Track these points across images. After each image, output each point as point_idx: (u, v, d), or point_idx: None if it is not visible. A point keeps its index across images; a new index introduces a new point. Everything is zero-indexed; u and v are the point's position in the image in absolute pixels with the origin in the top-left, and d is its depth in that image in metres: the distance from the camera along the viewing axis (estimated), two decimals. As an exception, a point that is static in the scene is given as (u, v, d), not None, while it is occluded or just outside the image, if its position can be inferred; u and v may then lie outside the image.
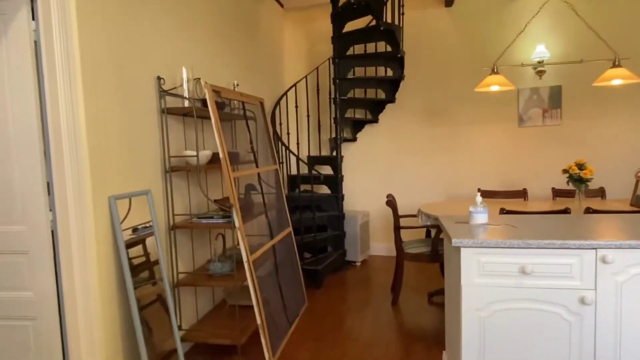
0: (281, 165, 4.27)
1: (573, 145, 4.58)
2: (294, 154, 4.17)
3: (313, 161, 4.84)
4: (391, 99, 4.63)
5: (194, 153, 2.60)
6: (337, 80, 4.37)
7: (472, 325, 1.81)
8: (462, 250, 1.79)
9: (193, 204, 2.90)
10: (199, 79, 2.91)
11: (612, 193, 4.24)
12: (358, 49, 4.75)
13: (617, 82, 3.33)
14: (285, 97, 4.62)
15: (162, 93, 2.56)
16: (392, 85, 4.59)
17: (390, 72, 4.59)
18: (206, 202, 3.03)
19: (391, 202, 3.46)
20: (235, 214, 2.49)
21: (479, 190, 4.16)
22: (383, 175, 5.04)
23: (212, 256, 2.81)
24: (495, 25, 4.63)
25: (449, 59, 4.76)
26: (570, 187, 3.48)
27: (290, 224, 3.50)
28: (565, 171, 3.36)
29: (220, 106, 2.94)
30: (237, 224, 2.49)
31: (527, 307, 1.76)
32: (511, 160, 4.72)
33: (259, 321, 2.51)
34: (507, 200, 4.03)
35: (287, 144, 4.52)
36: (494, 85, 3.51)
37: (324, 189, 4.82)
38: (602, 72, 3.46)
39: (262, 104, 3.47)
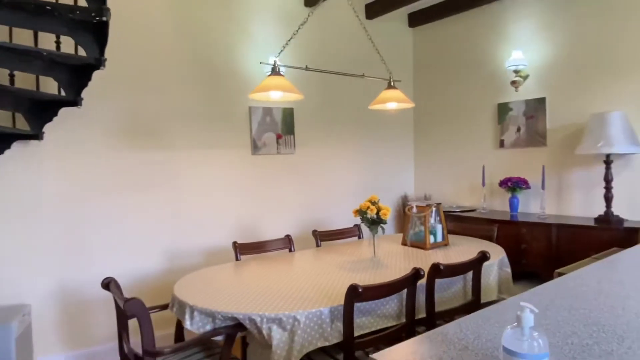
0: None
1: (307, 178, 4.02)
2: None
3: None
4: (74, 98, 2.61)
5: None
6: (-48, 42, 2.02)
7: None
8: None
9: None
10: None
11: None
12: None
13: (392, 105, 2.90)
14: None
15: None
16: (77, 75, 2.60)
17: (82, 52, 2.60)
18: None
19: (124, 314, 1.63)
20: None
21: (234, 244, 2.84)
22: (51, 230, 2.85)
23: None
24: (218, 17, 3.50)
25: (163, 52, 3.24)
26: (331, 228, 2.83)
27: None
28: (359, 212, 2.61)
29: None
30: None
31: None
32: (251, 197, 3.66)
33: None
34: (274, 252, 2.91)
35: None
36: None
37: None
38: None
39: None
